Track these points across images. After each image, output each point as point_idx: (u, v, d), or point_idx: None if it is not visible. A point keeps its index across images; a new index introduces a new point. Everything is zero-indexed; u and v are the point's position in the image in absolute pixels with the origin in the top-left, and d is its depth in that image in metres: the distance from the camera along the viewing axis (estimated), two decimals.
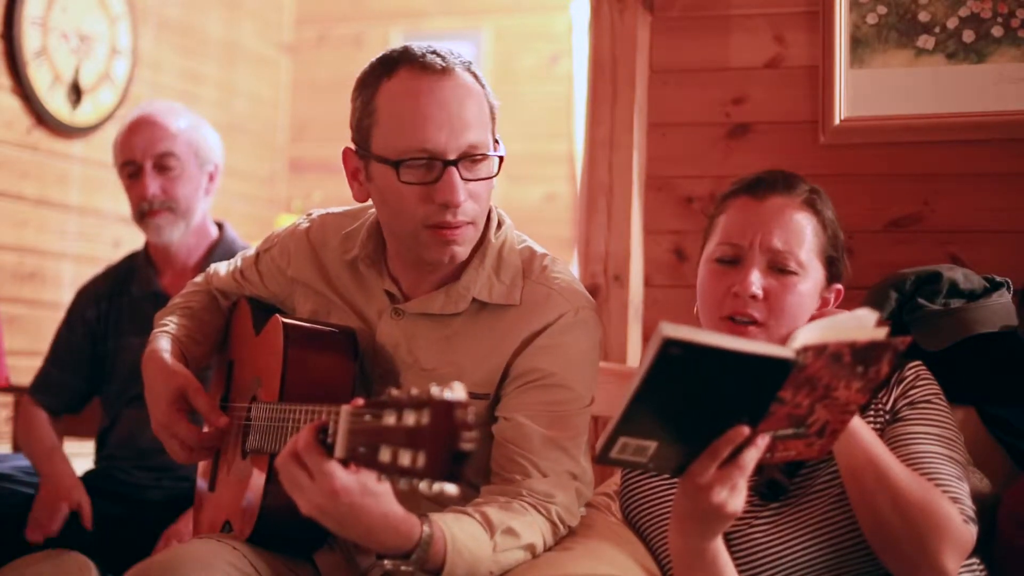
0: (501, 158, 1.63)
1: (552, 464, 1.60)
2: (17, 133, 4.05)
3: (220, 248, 2.65)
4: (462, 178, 1.57)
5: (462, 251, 1.62)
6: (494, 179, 1.64)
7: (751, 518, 1.62)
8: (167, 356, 1.77)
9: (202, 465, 1.94)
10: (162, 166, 2.58)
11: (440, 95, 1.57)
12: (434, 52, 1.60)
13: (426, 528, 1.41)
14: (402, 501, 1.38)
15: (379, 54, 1.65)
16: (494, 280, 1.67)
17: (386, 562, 1.40)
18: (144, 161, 2.58)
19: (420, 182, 1.57)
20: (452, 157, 1.57)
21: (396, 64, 1.60)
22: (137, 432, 2.49)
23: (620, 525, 1.74)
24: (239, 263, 1.92)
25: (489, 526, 1.51)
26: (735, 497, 1.32)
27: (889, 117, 2.29)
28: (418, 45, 1.62)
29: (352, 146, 1.66)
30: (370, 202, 1.77)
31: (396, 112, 1.58)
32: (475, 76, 1.63)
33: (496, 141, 1.64)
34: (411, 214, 1.59)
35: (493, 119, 1.64)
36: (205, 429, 1.76)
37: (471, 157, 1.58)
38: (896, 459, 1.54)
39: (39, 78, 4.08)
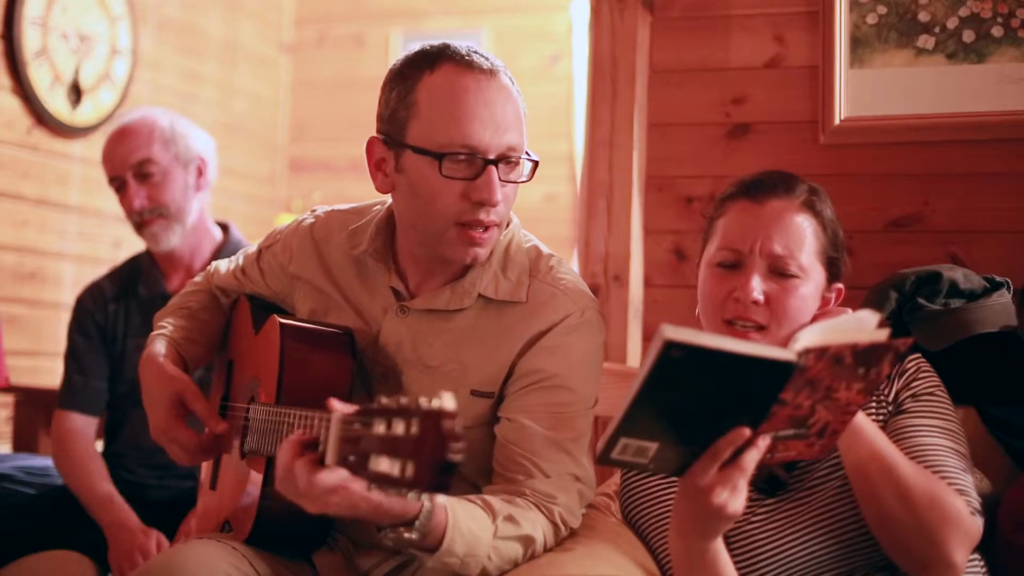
0: (536, 163, 1.63)
1: (554, 465, 1.60)
2: (17, 133, 4.05)
3: (226, 250, 2.63)
4: (501, 178, 1.58)
5: (484, 253, 1.62)
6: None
7: (749, 513, 1.62)
8: (163, 361, 1.77)
9: (204, 464, 1.95)
10: (143, 174, 2.57)
11: (487, 94, 1.58)
12: (476, 52, 1.61)
13: (427, 502, 1.40)
14: None
15: (414, 49, 1.65)
16: (500, 277, 1.67)
17: (388, 534, 1.39)
18: (125, 174, 2.58)
19: (460, 177, 1.57)
20: (493, 156, 1.58)
21: (438, 59, 1.60)
22: (143, 433, 2.47)
23: (620, 525, 1.74)
24: (240, 260, 1.91)
25: (491, 511, 1.51)
26: (736, 498, 1.32)
27: (889, 117, 2.29)
28: (460, 44, 1.62)
29: (379, 136, 1.66)
30: (376, 199, 1.76)
31: (440, 105, 1.58)
32: (512, 81, 1.64)
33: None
34: (444, 209, 1.59)
35: (525, 123, 1.65)
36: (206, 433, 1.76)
37: (508, 159, 1.59)
38: (901, 453, 1.54)
39: (39, 78, 4.08)
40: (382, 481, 1.17)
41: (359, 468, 1.20)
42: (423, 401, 1.15)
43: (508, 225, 1.72)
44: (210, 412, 1.73)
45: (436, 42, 1.63)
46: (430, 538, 1.41)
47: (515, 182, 1.62)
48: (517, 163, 1.61)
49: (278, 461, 1.36)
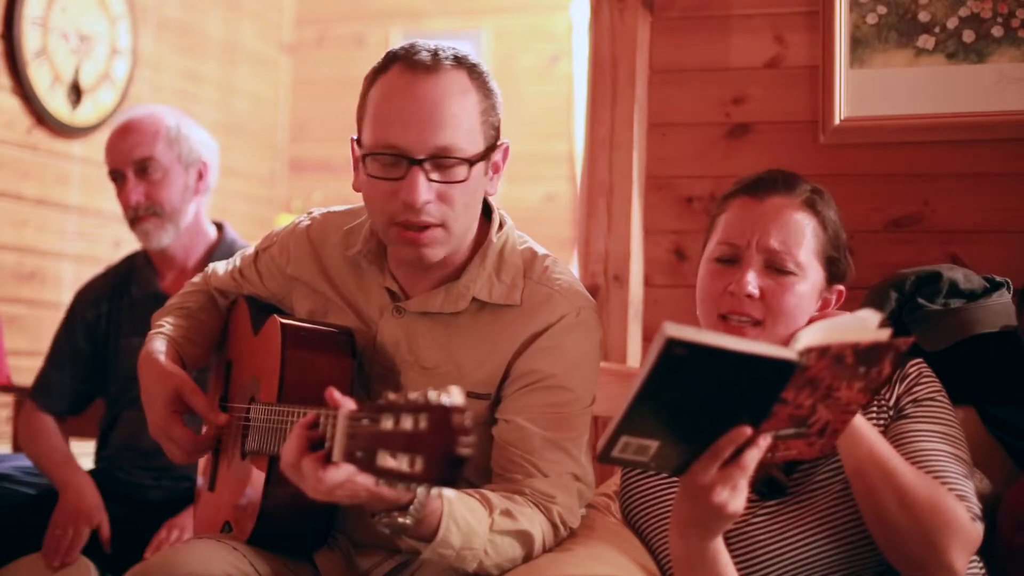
0: (469, 162, 1.57)
1: (553, 465, 1.60)
2: (17, 133, 4.05)
3: (220, 249, 2.64)
4: (429, 179, 1.56)
5: (432, 253, 1.60)
6: (473, 182, 1.59)
7: (749, 516, 1.62)
8: (162, 358, 1.77)
9: (202, 464, 1.94)
10: (143, 171, 2.57)
11: (418, 92, 1.56)
12: (429, 50, 1.59)
13: (422, 489, 1.40)
14: None
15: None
16: (495, 280, 1.67)
17: (383, 519, 1.38)
18: (125, 168, 2.58)
19: (386, 177, 1.57)
20: (419, 156, 1.55)
21: (392, 60, 1.61)
22: (138, 433, 2.48)
23: (620, 526, 1.74)
24: (238, 262, 1.92)
25: (488, 504, 1.51)
26: (736, 497, 1.32)
27: (889, 117, 2.29)
28: (422, 43, 1.62)
29: (354, 137, 1.67)
30: None
31: (377, 106, 1.59)
32: (474, 76, 1.60)
33: (494, 146, 1.62)
34: (381, 209, 1.60)
35: (488, 121, 1.61)
36: (204, 430, 1.76)
37: (438, 159, 1.56)
38: (901, 457, 1.54)
39: (39, 78, 4.08)
40: (390, 476, 1.17)
41: (367, 464, 1.20)
42: (432, 395, 1.15)
43: (503, 227, 1.71)
44: (209, 406, 1.73)
45: (408, 42, 1.63)
46: (424, 525, 1.40)
47: (448, 182, 1.57)
48: (455, 164, 1.57)
49: (283, 454, 1.35)
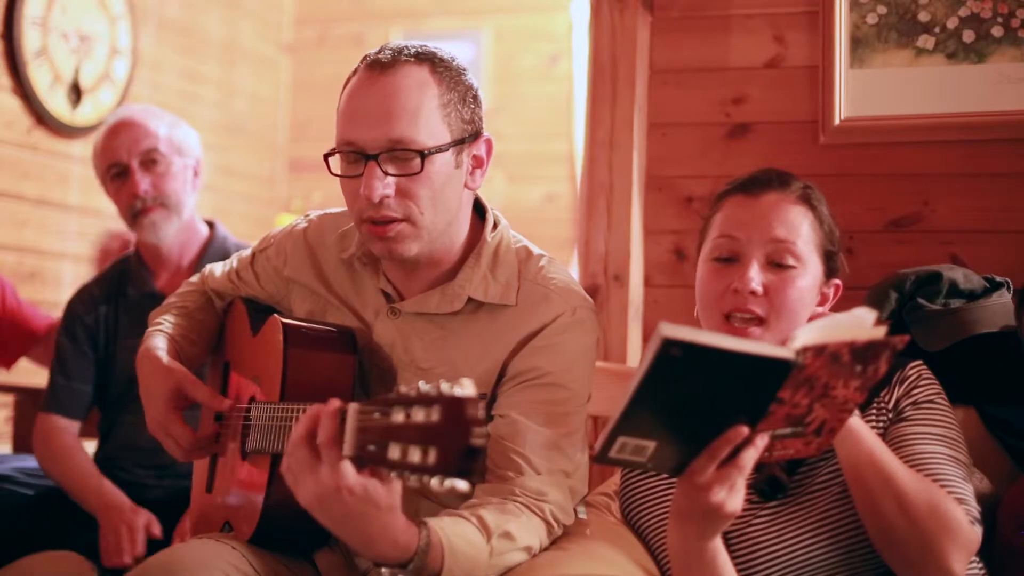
0: (423, 155, 1.55)
1: (546, 462, 1.59)
2: (17, 133, 4.05)
3: (213, 246, 2.66)
4: (386, 173, 1.56)
5: (401, 248, 1.60)
6: (436, 175, 1.58)
7: (750, 516, 1.62)
8: (162, 354, 1.77)
9: (197, 467, 1.94)
10: (149, 162, 2.59)
11: (372, 88, 1.58)
12: (394, 48, 1.60)
13: (423, 539, 1.38)
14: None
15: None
16: (490, 279, 1.66)
17: (384, 570, 1.38)
18: (130, 160, 2.59)
19: (349, 175, 1.60)
20: (372, 151, 1.57)
21: (363, 61, 1.62)
22: (138, 434, 2.47)
23: (619, 525, 1.74)
24: (235, 264, 1.91)
25: (486, 530, 1.50)
26: (734, 497, 1.32)
27: (889, 117, 2.30)
28: (394, 43, 1.63)
29: None
30: None
31: (341, 107, 1.62)
32: (438, 70, 1.59)
33: (465, 140, 1.60)
34: (351, 207, 1.63)
35: (455, 114, 1.59)
36: (200, 428, 1.76)
37: (393, 152, 1.56)
38: (900, 461, 1.53)
39: (39, 78, 4.08)
40: (403, 468, 1.16)
41: (379, 457, 1.19)
42: (445, 387, 1.14)
43: (497, 226, 1.71)
44: (211, 394, 1.73)
45: (386, 45, 1.64)
46: (427, 572, 1.40)
47: (405, 175, 1.57)
48: (410, 156, 1.56)
49: (300, 431, 1.30)
